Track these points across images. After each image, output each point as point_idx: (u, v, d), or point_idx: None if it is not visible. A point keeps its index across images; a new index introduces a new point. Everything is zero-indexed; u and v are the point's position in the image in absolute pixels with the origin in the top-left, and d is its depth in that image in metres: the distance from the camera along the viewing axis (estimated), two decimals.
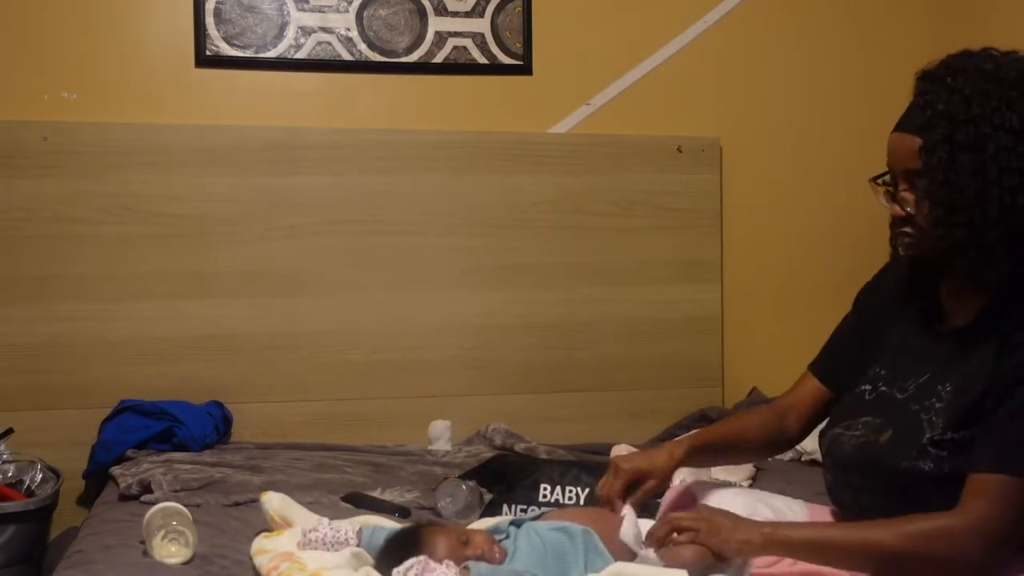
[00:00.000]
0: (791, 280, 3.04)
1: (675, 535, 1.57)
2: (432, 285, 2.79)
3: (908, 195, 1.56)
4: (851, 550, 1.52)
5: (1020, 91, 1.50)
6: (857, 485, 1.64)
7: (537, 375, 2.86)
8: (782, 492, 1.92)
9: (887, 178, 1.62)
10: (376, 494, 2.23)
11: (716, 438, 1.88)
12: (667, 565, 1.52)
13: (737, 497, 1.79)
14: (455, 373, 2.81)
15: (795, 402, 1.86)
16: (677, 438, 2.01)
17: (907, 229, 1.59)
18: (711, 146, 2.96)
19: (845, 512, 1.70)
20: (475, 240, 2.81)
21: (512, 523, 1.68)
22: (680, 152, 2.92)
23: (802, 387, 1.87)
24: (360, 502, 2.17)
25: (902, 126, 1.58)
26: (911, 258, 1.66)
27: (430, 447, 2.65)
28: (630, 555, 1.60)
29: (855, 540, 1.53)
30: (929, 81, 1.56)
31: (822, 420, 1.82)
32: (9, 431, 2.42)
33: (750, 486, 2.28)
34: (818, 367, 1.86)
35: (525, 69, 2.86)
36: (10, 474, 2.32)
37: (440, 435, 2.66)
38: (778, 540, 1.55)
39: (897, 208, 1.58)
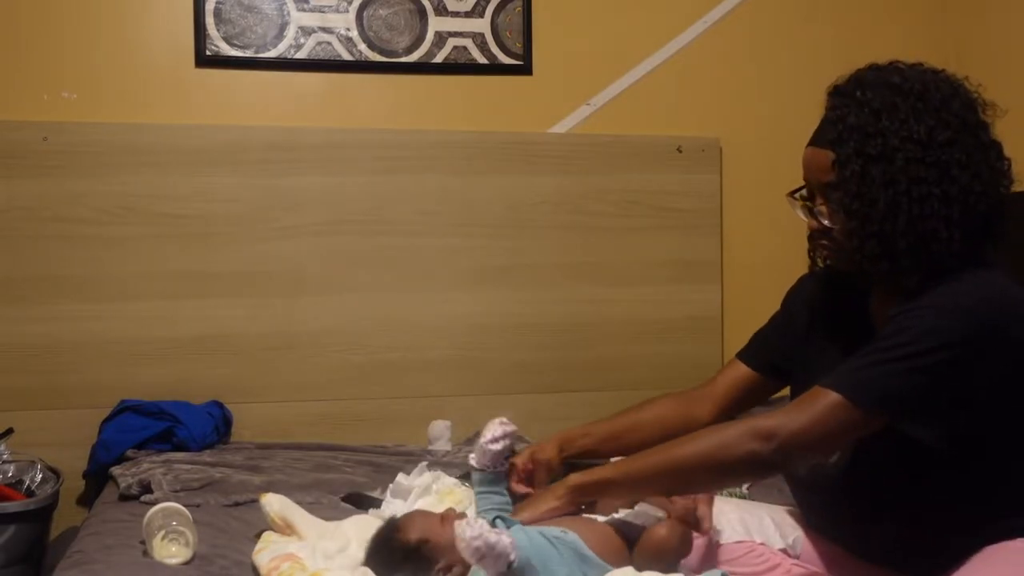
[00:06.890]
0: (791, 280, 3.02)
1: None
2: (432, 285, 2.79)
3: (824, 208, 1.59)
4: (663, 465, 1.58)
5: (925, 103, 1.52)
6: (818, 503, 1.70)
7: (537, 375, 2.86)
8: (775, 502, 1.91)
9: (804, 192, 1.64)
10: (376, 494, 2.23)
11: (604, 428, 1.90)
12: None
13: (729, 507, 1.78)
14: (455, 373, 2.81)
15: (714, 389, 1.89)
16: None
17: (824, 242, 1.62)
18: (711, 146, 2.96)
19: (810, 516, 1.75)
20: (475, 240, 2.81)
21: (498, 517, 1.68)
22: (680, 152, 2.92)
23: (727, 374, 1.91)
24: (360, 502, 2.17)
25: (816, 140, 1.61)
26: (832, 271, 1.69)
27: (430, 447, 2.65)
28: (619, 560, 1.59)
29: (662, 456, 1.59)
30: (840, 95, 1.59)
31: (749, 405, 1.87)
32: (9, 431, 2.42)
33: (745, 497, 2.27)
34: (748, 355, 1.90)
35: (525, 69, 2.86)
36: (10, 474, 2.32)
37: (440, 435, 2.66)
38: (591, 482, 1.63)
39: (814, 222, 1.61)
